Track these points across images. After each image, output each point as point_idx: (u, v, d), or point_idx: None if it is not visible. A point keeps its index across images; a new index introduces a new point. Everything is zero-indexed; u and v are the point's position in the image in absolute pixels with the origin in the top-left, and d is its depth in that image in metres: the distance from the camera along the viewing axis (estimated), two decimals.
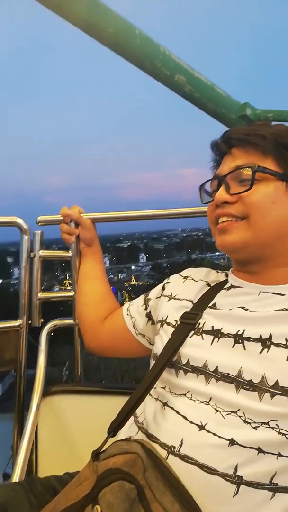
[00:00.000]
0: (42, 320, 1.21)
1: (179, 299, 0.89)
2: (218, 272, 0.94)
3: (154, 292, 1.00)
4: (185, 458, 0.64)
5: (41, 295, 1.21)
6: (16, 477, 0.83)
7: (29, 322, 1.20)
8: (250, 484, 0.61)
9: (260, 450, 0.62)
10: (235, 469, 0.61)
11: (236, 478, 0.61)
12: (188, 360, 0.74)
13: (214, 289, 0.86)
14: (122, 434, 0.74)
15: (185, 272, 0.98)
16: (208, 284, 0.89)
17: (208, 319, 0.78)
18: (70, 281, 1.22)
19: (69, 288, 1.23)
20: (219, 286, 0.86)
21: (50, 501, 0.67)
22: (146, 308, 0.99)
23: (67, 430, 1.09)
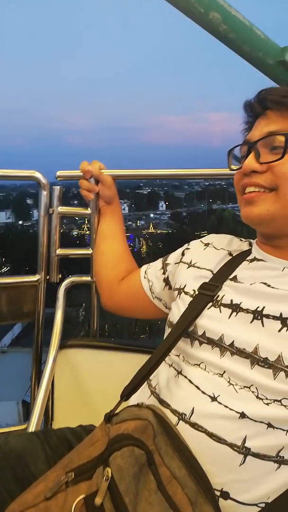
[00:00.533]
0: (60, 276, 1.22)
1: (198, 267, 0.87)
2: (241, 240, 0.91)
3: (173, 257, 0.98)
4: (195, 426, 0.66)
5: (59, 251, 1.21)
6: (32, 427, 0.88)
7: (47, 277, 1.21)
8: (257, 455, 0.63)
9: (269, 425, 0.63)
10: (244, 441, 0.63)
11: (244, 449, 0.63)
12: (204, 331, 0.74)
13: (236, 260, 0.83)
14: (135, 396, 0.76)
15: (206, 239, 0.95)
16: (230, 254, 0.86)
17: (227, 292, 0.76)
18: (89, 225, 1.20)
19: (87, 232, 1.22)
20: (242, 257, 0.83)
21: (64, 453, 0.71)
22: (164, 273, 0.98)
23: (82, 383, 1.14)
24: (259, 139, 0.73)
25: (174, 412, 0.69)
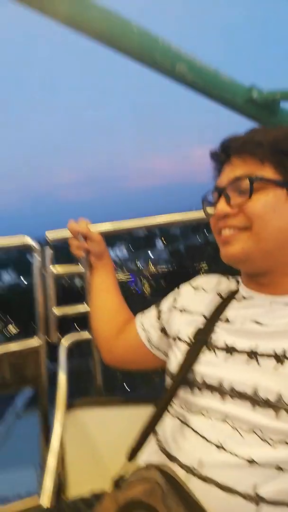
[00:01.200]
0: (59, 336, 1.22)
1: (190, 312, 0.88)
2: (228, 278, 0.93)
3: (166, 304, 1.00)
4: (204, 479, 0.65)
5: (57, 311, 1.22)
6: (45, 498, 0.85)
7: (47, 339, 1.22)
8: (270, 502, 0.61)
9: (279, 468, 0.62)
10: (255, 488, 0.62)
11: (257, 497, 0.61)
12: (203, 378, 0.74)
13: (225, 301, 0.85)
14: (144, 453, 0.75)
15: (195, 281, 0.97)
16: (219, 295, 0.88)
17: (220, 334, 0.78)
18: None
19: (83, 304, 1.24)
20: (231, 296, 0.85)
21: None
22: (159, 321, 0.99)
23: (93, 443, 1.12)
24: (226, 185, 0.77)
25: (183, 466, 0.68)
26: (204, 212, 0.86)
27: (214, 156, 0.84)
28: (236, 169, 0.77)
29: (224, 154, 0.80)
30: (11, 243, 1.20)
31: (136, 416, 0.73)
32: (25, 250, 1.21)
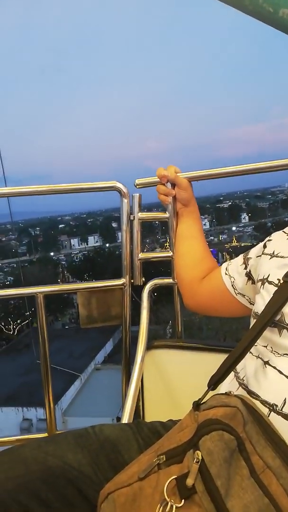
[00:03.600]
0: (144, 279, 1.26)
1: (282, 257, 0.84)
2: None
3: (254, 251, 0.96)
4: (287, 417, 0.63)
5: (141, 255, 1.26)
6: (125, 419, 0.91)
7: (132, 281, 1.27)
8: None
9: None
10: None
11: None
12: None
13: None
14: (223, 388, 0.75)
15: None
16: None
17: None
18: (169, 244, 1.24)
19: (168, 250, 1.26)
20: None
21: (155, 443, 0.73)
22: (245, 268, 0.96)
23: (170, 381, 1.16)
24: None
25: (264, 403, 0.67)
26: None
27: None
28: None
29: None
30: (104, 187, 1.25)
31: (215, 362, 0.73)
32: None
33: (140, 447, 0.80)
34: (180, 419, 0.88)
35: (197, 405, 0.67)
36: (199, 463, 0.57)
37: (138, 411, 1.13)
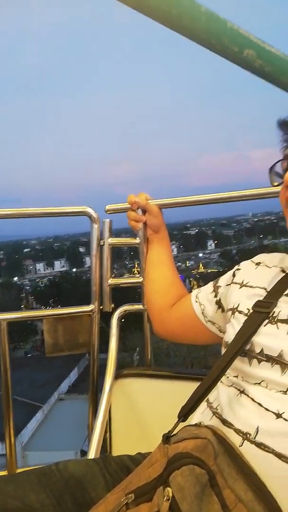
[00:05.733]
0: (113, 306, 1.24)
1: (251, 286, 0.85)
2: None
3: (224, 279, 0.97)
4: (261, 446, 0.62)
5: (111, 281, 1.24)
6: (91, 454, 0.87)
7: (101, 307, 1.24)
8: None
9: None
10: None
11: None
12: (262, 349, 0.71)
13: None
14: (195, 419, 0.73)
15: (257, 258, 0.93)
16: (283, 271, 0.84)
17: (283, 308, 0.74)
18: (139, 269, 1.24)
19: (137, 275, 1.25)
20: None
21: (123, 479, 0.69)
22: (215, 296, 0.97)
23: (139, 412, 1.12)
24: None
25: (238, 432, 0.66)
26: (270, 182, 0.83)
27: (283, 124, 0.80)
28: None
29: None
30: (75, 212, 1.24)
31: (186, 390, 0.71)
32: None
33: (108, 484, 0.76)
34: (150, 452, 0.85)
35: (166, 438, 0.65)
36: (169, 501, 0.54)
37: (105, 444, 1.08)
